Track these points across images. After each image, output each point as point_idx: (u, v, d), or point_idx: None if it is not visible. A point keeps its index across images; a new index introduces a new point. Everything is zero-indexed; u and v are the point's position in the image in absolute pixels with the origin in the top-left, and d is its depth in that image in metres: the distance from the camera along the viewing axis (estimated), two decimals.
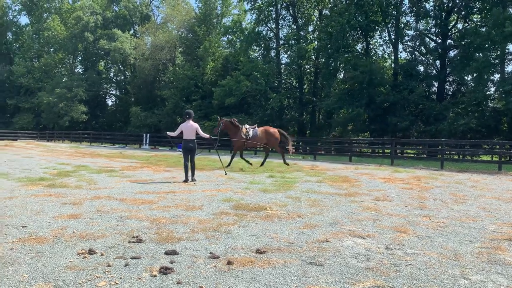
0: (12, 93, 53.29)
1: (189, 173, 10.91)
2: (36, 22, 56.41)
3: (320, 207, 7.42)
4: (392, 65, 34.97)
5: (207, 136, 11.68)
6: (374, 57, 35.86)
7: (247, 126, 15.28)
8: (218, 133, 14.67)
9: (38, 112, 50.69)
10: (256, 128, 15.47)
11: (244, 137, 14.80)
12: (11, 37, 59.52)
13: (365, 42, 36.28)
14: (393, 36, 34.17)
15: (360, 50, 36.78)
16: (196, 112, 39.68)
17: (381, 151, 31.24)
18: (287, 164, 15.73)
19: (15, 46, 59.71)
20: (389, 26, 34.15)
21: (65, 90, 47.37)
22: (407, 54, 35.81)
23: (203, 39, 43.18)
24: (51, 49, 55.13)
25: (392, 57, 35.70)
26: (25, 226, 5.44)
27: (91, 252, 4.37)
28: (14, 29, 58.58)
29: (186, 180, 10.74)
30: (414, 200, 8.47)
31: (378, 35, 37.12)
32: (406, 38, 34.43)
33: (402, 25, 33.83)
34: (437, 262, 4.38)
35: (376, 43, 38.41)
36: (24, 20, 72.23)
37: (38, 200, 7.34)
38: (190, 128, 11.01)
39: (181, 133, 11.15)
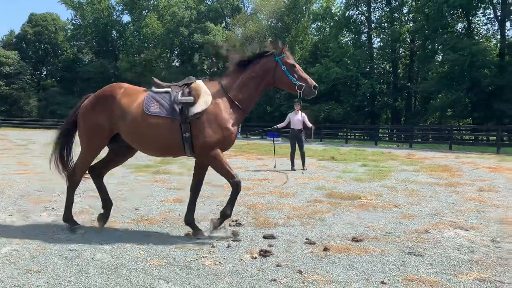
0: None
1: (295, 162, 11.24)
2: (136, 20, 60.74)
3: (418, 197, 7.17)
4: (498, 45, 31.93)
5: (311, 125, 11.59)
6: (476, 37, 33.02)
7: None
8: None
9: None
10: None
11: None
12: (115, 35, 64.72)
13: (466, 21, 33.54)
14: (499, 13, 31.13)
15: (460, 30, 34.11)
16: (287, 101, 40.10)
17: (485, 139, 28.92)
18: None
19: (119, 43, 64.81)
20: (494, 2, 31.16)
21: None
22: None
23: (291, 27, 43.15)
24: (150, 45, 58.96)
25: (498, 36, 32.59)
26: (137, 209, 6.02)
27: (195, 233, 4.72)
28: (117, 28, 63.61)
29: (292, 169, 11.03)
30: None
31: (482, 13, 33.95)
32: None
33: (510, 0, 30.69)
34: None
35: (479, 22, 35.28)
36: (126, 18, 78.18)
37: (146, 185, 8.03)
38: (299, 117, 11.31)
39: (289, 122, 11.50)
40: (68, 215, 4.89)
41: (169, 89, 4.71)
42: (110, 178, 8.85)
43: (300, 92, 4.67)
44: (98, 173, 5.07)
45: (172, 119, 4.49)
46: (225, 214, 4.65)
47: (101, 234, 4.70)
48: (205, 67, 60.14)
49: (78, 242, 4.37)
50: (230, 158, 14.08)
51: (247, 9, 57.18)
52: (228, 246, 4.30)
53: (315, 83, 4.73)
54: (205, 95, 4.57)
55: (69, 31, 63.69)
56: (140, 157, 13.54)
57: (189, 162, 12.51)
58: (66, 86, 59.68)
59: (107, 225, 5.02)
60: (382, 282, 3.40)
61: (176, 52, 60.68)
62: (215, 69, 58.08)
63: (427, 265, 3.83)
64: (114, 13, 63.43)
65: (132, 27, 61.88)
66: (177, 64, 60.37)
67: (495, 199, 7.02)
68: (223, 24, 56.63)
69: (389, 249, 4.28)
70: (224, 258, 3.94)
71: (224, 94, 4.68)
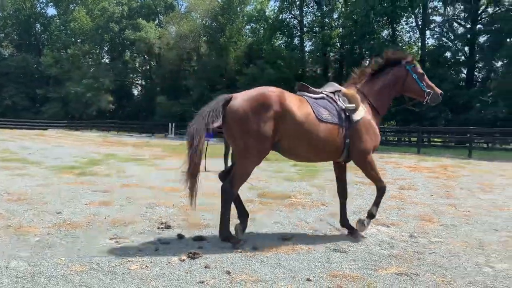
0: (41, 83, 54.70)
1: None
2: (63, 14, 57.54)
3: None
4: (419, 52, 34.20)
5: None
6: (400, 44, 35.10)
7: None
8: None
9: (66, 102, 51.84)
10: None
11: None
12: (39, 28, 60.87)
13: (391, 29, 35.55)
14: (420, 22, 33.36)
15: (386, 37, 36.07)
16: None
17: (407, 140, 30.80)
18: None
19: (43, 37, 61.03)
20: (416, 11, 33.33)
21: (92, 80, 48.23)
22: (435, 40, 34.93)
23: (226, 27, 43.20)
24: (78, 40, 56.14)
25: (419, 44, 34.90)
26: (60, 212, 5.69)
27: (122, 237, 4.56)
28: (42, 21, 59.88)
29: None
30: (440, 189, 8.41)
31: (405, 21, 36.15)
32: (434, 24, 33.60)
33: (430, 10, 32.99)
34: (461, 250, 4.40)
35: (403, 30, 37.53)
36: (51, 11, 73.93)
37: (70, 188, 7.62)
38: None
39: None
40: (226, 233, 4.52)
41: (323, 95, 4.79)
42: (30, 180, 8.34)
43: (428, 99, 5.07)
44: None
45: (340, 125, 4.61)
46: (371, 214, 4.93)
47: (17, 240, 4.39)
48: (137, 64, 58.49)
49: None
50: (163, 159, 13.79)
51: (181, 7, 56.35)
52: (156, 250, 4.20)
53: (441, 91, 5.14)
54: (362, 102, 4.80)
55: None
56: (64, 158, 12.87)
57: (118, 163, 12.06)
58: None
59: (25, 231, 4.71)
60: (308, 279, 3.50)
61: (106, 49, 58.36)
62: (148, 67, 56.72)
63: (350, 261, 4.00)
64: (38, 5, 59.64)
65: (58, 20, 58.50)
66: (107, 61, 58.06)
67: (414, 197, 7.50)
68: (156, 22, 55.37)
69: (315, 246, 4.41)
70: (151, 262, 3.84)
71: (366, 101, 4.94)
